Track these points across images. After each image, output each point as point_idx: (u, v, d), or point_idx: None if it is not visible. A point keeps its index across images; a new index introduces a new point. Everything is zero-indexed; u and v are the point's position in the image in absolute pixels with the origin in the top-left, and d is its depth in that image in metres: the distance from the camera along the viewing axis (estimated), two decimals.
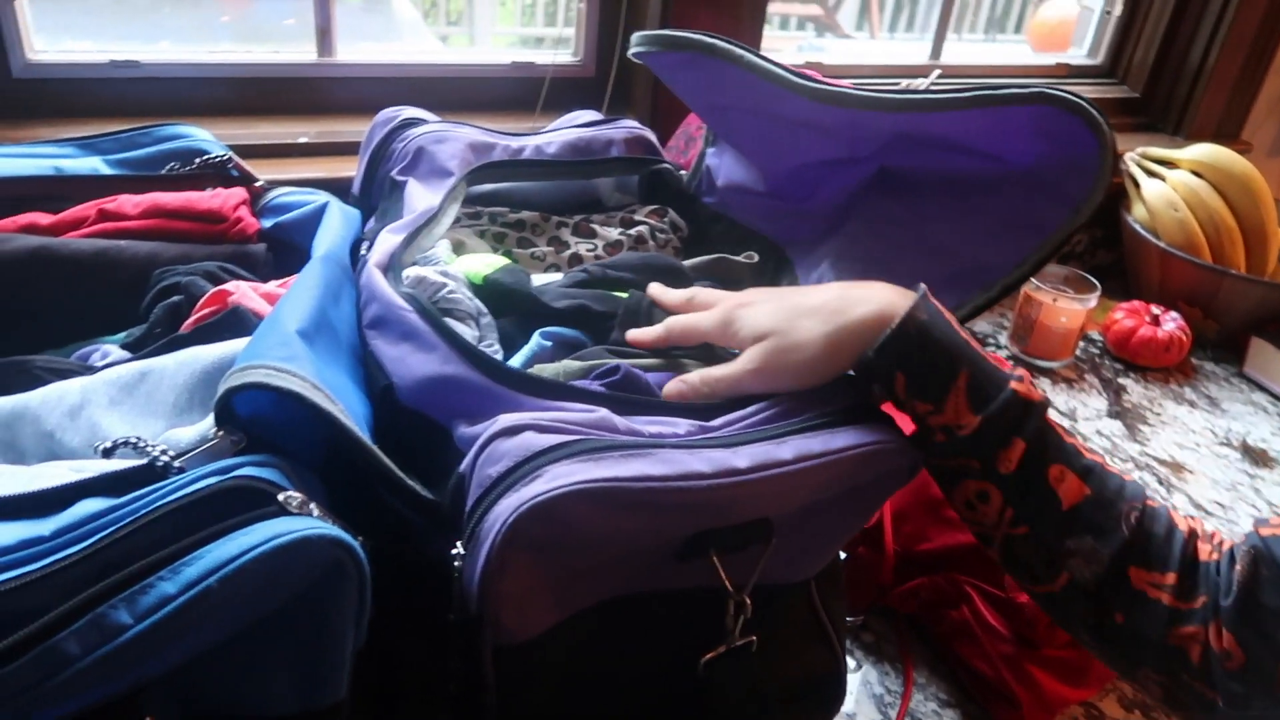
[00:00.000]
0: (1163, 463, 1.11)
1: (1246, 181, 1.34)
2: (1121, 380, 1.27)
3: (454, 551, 0.50)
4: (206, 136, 0.82)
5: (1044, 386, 1.24)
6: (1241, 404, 1.25)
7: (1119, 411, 1.20)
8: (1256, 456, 1.14)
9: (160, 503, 0.44)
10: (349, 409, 0.53)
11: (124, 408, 0.54)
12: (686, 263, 0.82)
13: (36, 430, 0.53)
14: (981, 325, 1.36)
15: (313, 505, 0.46)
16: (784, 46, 3.33)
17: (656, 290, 0.69)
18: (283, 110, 1.06)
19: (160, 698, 0.43)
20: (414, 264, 0.71)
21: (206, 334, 0.58)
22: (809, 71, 1.05)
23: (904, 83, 1.36)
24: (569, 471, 0.48)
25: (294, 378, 0.48)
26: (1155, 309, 1.32)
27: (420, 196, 0.78)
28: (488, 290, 0.71)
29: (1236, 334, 1.32)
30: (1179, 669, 0.55)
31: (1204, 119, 1.52)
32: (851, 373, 0.59)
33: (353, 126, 1.04)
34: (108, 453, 0.49)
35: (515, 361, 0.66)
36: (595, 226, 0.85)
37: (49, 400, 0.54)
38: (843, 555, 0.82)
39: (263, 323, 0.54)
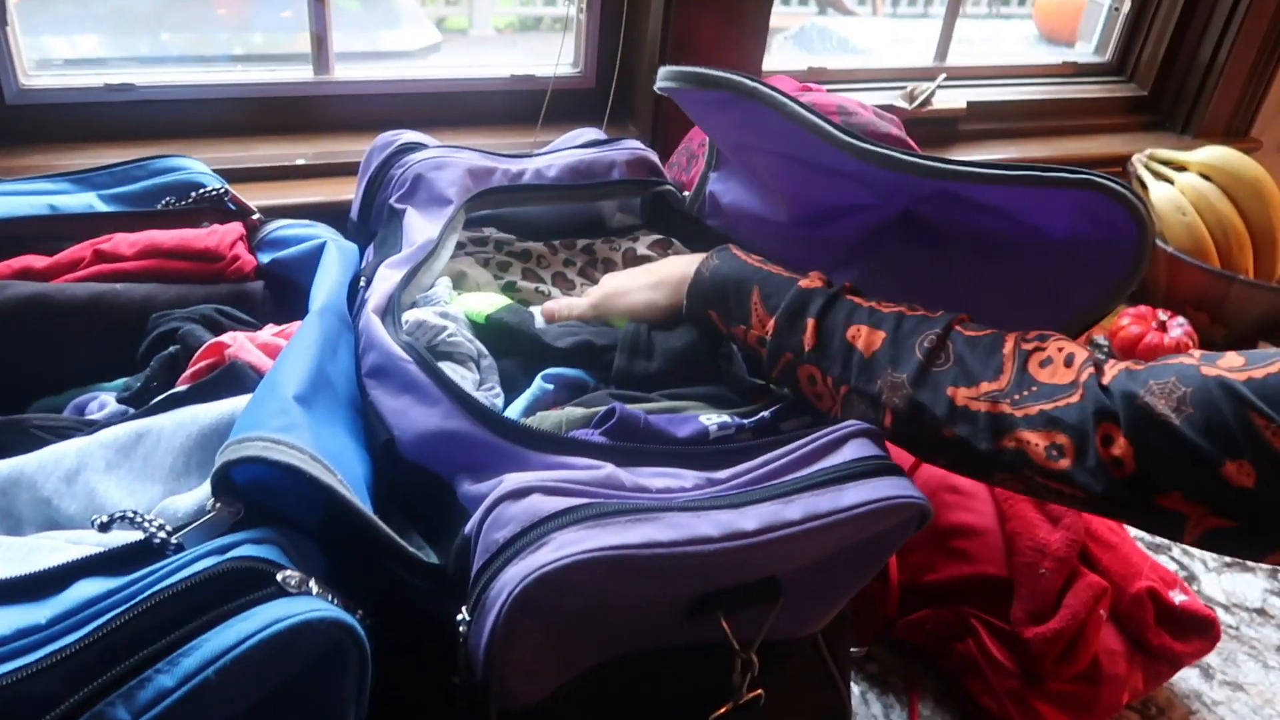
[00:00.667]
0: None
1: (1256, 185, 1.32)
2: None
3: (459, 617, 0.50)
4: (202, 169, 0.81)
5: None
6: None
7: None
8: None
9: (158, 586, 0.43)
10: (349, 470, 0.53)
11: (121, 472, 0.54)
12: None
13: (33, 496, 0.52)
14: None
15: (312, 583, 0.46)
16: (788, 24, 3.28)
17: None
18: (280, 130, 1.04)
19: None
20: (413, 304, 0.70)
21: (204, 392, 0.57)
22: (815, 88, 1.04)
23: (909, 86, 1.35)
24: (577, 539, 0.48)
25: (291, 450, 0.48)
26: (1162, 314, 1.30)
27: (419, 227, 0.77)
28: (490, 329, 0.70)
29: (1244, 339, 1.31)
30: (1025, 469, 0.56)
31: (1213, 117, 1.50)
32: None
33: (352, 146, 1.03)
34: (104, 526, 0.48)
35: (518, 407, 0.65)
36: (597, 272, 0.85)
37: (45, 465, 0.53)
38: None
39: (259, 387, 0.53)
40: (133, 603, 0.43)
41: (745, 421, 0.63)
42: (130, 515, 0.48)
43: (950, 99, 1.35)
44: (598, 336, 0.70)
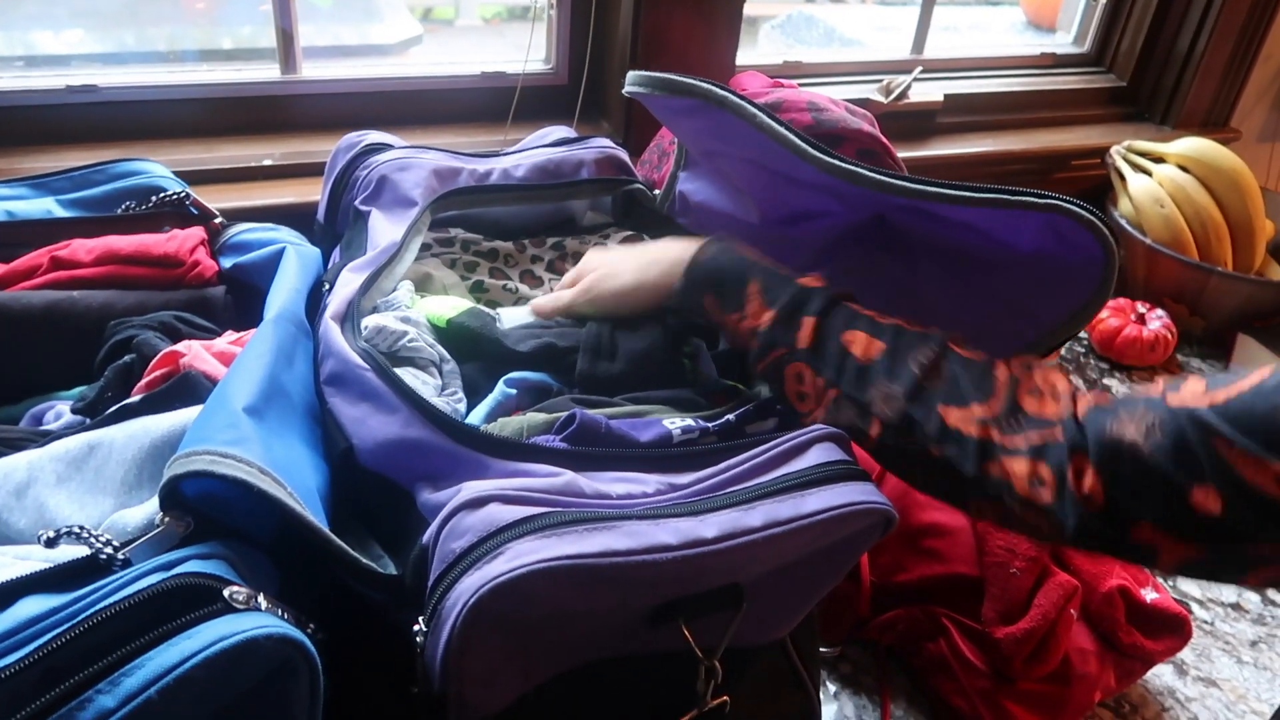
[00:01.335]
0: None
1: (1234, 176, 1.32)
2: (1106, 380, 1.26)
3: (416, 628, 0.49)
4: (163, 172, 0.80)
5: None
6: None
7: None
8: None
9: (102, 604, 0.43)
10: (301, 482, 0.52)
11: (71, 485, 0.53)
12: None
13: None
14: None
15: (260, 598, 0.45)
16: (776, 11, 3.25)
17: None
18: (246, 131, 1.03)
19: None
20: (374, 309, 0.70)
21: (157, 402, 0.57)
22: (786, 83, 1.03)
23: (886, 79, 1.34)
24: (532, 549, 0.47)
25: (239, 463, 0.47)
26: (1141, 307, 1.30)
27: (383, 229, 0.76)
28: (452, 333, 0.70)
29: (1223, 331, 1.31)
30: (1005, 498, 0.56)
31: (1192, 107, 1.50)
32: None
33: (319, 146, 1.02)
34: (51, 542, 0.47)
35: (480, 412, 0.64)
36: (568, 265, 0.84)
37: None
38: None
39: (209, 400, 0.52)
40: (74, 621, 0.42)
41: (709, 425, 0.62)
42: (77, 530, 0.47)
43: (927, 92, 1.35)
44: (560, 339, 0.69)
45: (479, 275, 0.83)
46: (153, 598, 0.43)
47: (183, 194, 0.77)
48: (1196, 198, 1.31)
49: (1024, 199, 0.63)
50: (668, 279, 0.70)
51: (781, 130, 0.69)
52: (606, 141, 0.91)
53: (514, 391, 0.65)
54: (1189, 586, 0.94)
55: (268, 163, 1.00)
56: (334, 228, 0.85)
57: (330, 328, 0.63)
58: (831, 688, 0.80)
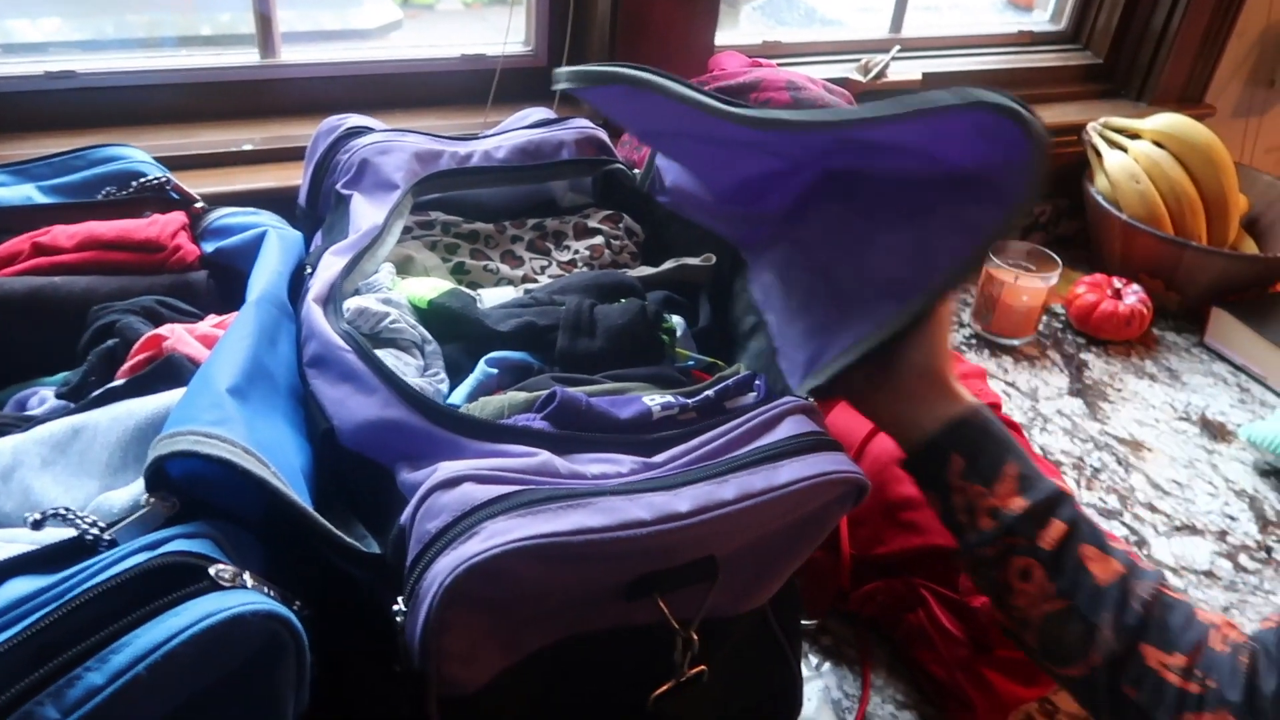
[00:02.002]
0: (1122, 441, 1.12)
1: (1208, 152, 1.33)
2: (1084, 355, 1.28)
3: (395, 608, 0.50)
4: (144, 158, 0.80)
5: (1006, 364, 1.24)
6: (1202, 375, 1.26)
7: (1080, 389, 1.21)
8: (1215, 430, 1.15)
9: (88, 584, 0.43)
10: (286, 462, 0.53)
11: (57, 468, 0.53)
12: (644, 272, 0.81)
13: None
14: None
15: (246, 576, 0.46)
16: None
17: None
18: (227, 116, 1.03)
19: None
20: (355, 292, 0.70)
21: (141, 385, 0.57)
22: (765, 63, 1.04)
23: (864, 59, 1.35)
24: (507, 528, 0.48)
25: (223, 443, 0.48)
26: (1117, 282, 1.32)
27: (365, 213, 0.77)
28: (433, 314, 0.70)
29: (1198, 305, 1.32)
30: None
31: (1168, 84, 1.51)
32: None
33: (300, 130, 1.02)
34: (37, 524, 0.48)
35: (461, 393, 0.65)
36: (549, 244, 0.84)
37: None
38: None
39: (192, 381, 0.53)
40: (62, 600, 0.43)
41: (689, 401, 0.63)
42: (63, 512, 0.48)
43: (906, 70, 1.35)
44: (540, 317, 0.70)
45: (460, 257, 0.83)
46: (139, 577, 0.44)
47: (163, 179, 0.78)
48: (1171, 173, 1.33)
49: (944, 103, 0.60)
50: (925, 415, 0.65)
51: (696, 95, 0.68)
52: (586, 122, 0.92)
53: (495, 371, 0.66)
54: (1163, 555, 0.96)
55: (248, 147, 1.00)
56: (316, 212, 0.85)
57: (313, 310, 0.63)
58: (814, 660, 0.81)
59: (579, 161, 0.89)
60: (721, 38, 1.19)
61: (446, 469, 0.52)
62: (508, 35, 1.11)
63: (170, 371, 0.58)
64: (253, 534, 0.51)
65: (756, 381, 0.67)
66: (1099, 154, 1.39)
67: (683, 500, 0.52)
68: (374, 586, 0.53)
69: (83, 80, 0.98)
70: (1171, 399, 1.21)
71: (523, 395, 0.62)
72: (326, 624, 0.51)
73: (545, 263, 0.83)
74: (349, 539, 0.52)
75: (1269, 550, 0.97)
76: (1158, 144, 1.35)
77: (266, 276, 0.64)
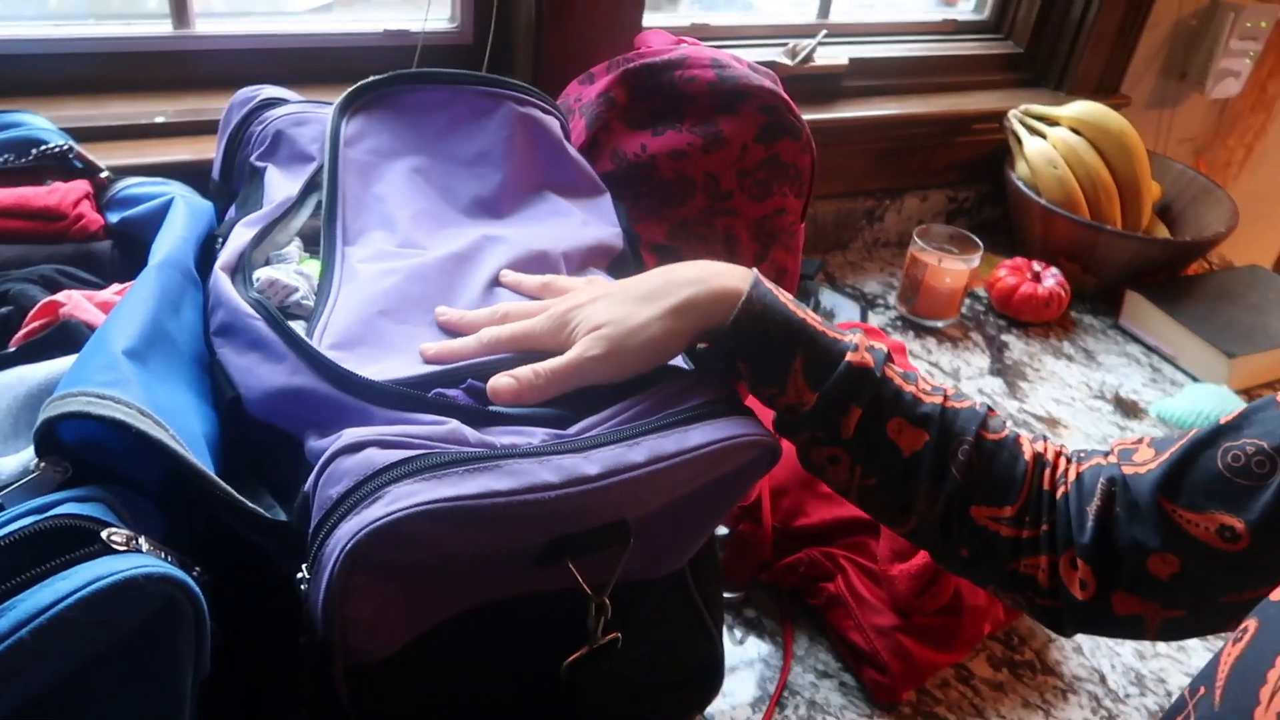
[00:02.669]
0: (1040, 419, 1.15)
1: (1121, 138, 1.37)
2: (1004, 337, 1.30)
3: (299, 575, 0.49)
4: (44, 124, 0.77)
5: (930, 345, 1.26)
6: (1116, 355, 1.29)
7: (1000, 369, 1.23)
8: (1127, 408, 1.19)
9: None
10: (186, 427, 0.51)
11: None
12: None
13: None
14: (870, 286, 1.38)
15: (141, 540, 0.45)
16: None
17: (509, 276, 0.67)
18: (138, 87, 1.00)
19: None
20: (266, 262, 0.69)
21: (34, 351, 0.55)
22: (692, 42, 1.03)
23: (792, 43, 1.36)
24: (411, 491, 0.47)
25: (117, 404, 0.46)
26: (1037, 265, 1.35)
27: (279, 185, 0.75)
28: None
29: (1113, 287, 1.36)
30: (1027, 590, 0.59)
31: (1085, 74, 1.55)
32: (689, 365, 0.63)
33: (215, 103, 0.99)
34: None
35: None
36: None
37: None
38: (724, 531, 0.83)
39: (87, 344, 0.51)
40: None
41: None
42: None
43: (833, 55, 1.37)
44: None
45: None
46: (23, 540, 0.42)
47: (65, 146, 0.75)
48: (1087, 158, 1.36)
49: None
50: (697, 324, 0.58)
51: None
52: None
53: None
54: None
55: (160, 120, 0.97)
56: (229, 185, 0.83)
57: (220, 278, 0.62)
58: (738, 634, 0.82)
59: None
60: (658, 22, 1.19)
61: (350, 434, 0.51)
62: (429, 11, 1.09)
63: (66, 338, 0.56)
64: (151, 501, 0.50)
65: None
66: (1020, 140, 1.42)
67: (592, 463, 0.52)
68: (280, 555, 0.52)
69: None
70: (1087, 378, 1.24)
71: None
72: (232, 592, 0.50)
73: None
74: (251, 505, 0.50)
75: None
76: (1075, 130, 1.39)
77: (171, 241, 0.63)
